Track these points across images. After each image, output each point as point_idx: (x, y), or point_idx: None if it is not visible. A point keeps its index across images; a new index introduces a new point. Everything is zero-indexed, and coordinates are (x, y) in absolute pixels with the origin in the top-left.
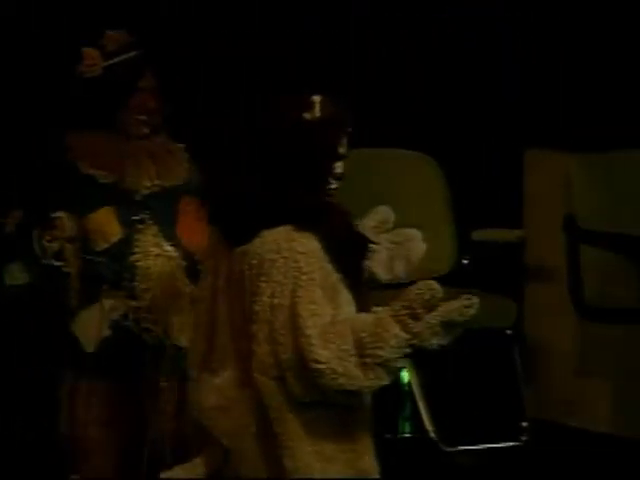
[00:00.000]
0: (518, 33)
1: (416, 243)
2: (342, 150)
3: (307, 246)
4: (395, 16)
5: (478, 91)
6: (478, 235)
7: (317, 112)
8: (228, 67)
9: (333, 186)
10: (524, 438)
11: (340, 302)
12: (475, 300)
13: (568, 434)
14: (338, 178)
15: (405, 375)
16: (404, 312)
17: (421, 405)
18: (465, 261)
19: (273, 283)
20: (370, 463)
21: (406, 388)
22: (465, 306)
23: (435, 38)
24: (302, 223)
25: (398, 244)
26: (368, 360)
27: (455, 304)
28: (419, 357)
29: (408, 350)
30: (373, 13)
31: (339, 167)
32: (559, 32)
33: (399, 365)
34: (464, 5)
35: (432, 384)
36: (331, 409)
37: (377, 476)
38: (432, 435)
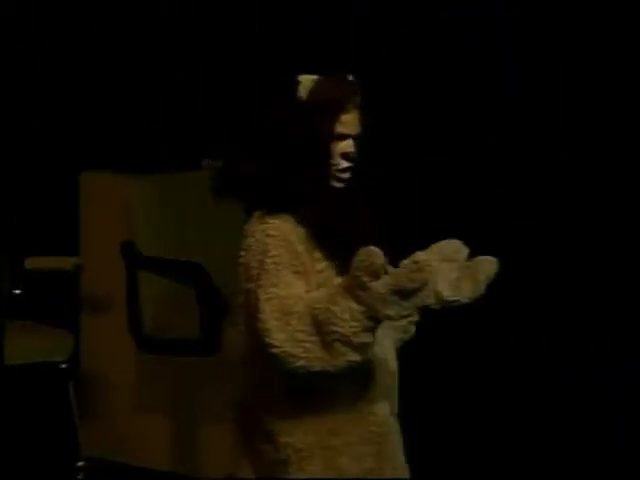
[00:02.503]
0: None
1: (484, 262)
2: (343, 129)
3: (279, 229)
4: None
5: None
6: (31, 263)
7: (302, 93)
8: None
9: (342, 166)
10: (80, 478)
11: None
12: (422, 264)
13: (126, 473)
14: (347, 158)
15: None
16: (353, 283)
17: None
18: (17, 291)
19: (246, 267)
20: (348, 464)
21: None
22: (412, 271)
23: None
24: (277, 206)
25: (466, 264)
26: (327, 338)
27: (401, 270)
28: None
29: (370, 323)
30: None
31: (345, 146)
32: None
33: (365, 340)
34: None
35: None
36: (313, 403)
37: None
38: None
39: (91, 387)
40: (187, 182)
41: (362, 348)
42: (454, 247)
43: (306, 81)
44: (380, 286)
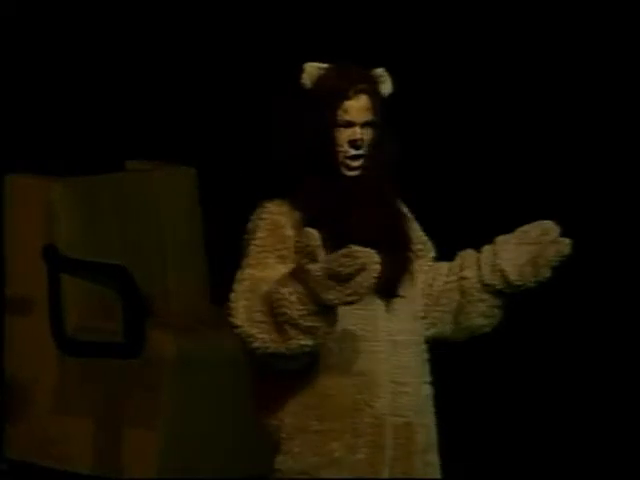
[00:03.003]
0: None
1: (549, 247)
2: (347, 116)
3: (271, 212)
4: None
5: None
6: None
7: (306, 80)
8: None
9: (350, 154)
10: None
11: None
12: (355, 249)
13: (49, 476)
14: (354, 145)
15: None
16: (298, 266)
17: None
18: None
19: (242, 251)
20: (340, 451)
21: None
22: (343, 256)
23: None
24: (277, 192)
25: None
26: (279, 319)
27: (334, 255)
28: None
29: (315, 307)
30: None
31: (351, 134)
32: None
33: (313, 324)
34: None
35: None
36: (301, 387)
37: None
38: None
39: (14, 389)
40: (110, 184)
41: (312, 332)
42: (541, 229)
43: (310, 68)
44: (317, 269)
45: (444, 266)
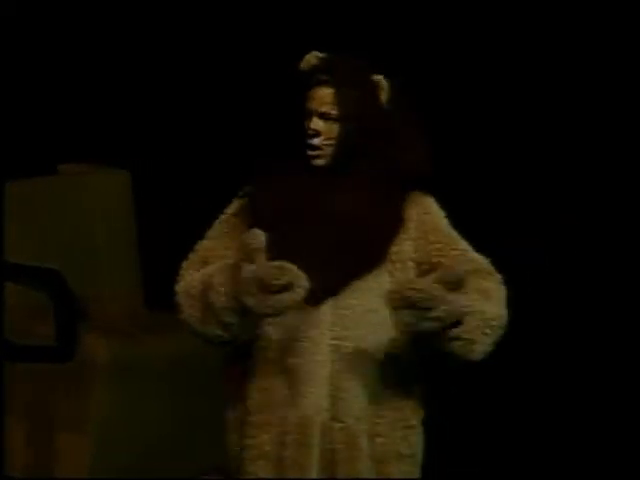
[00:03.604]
0: None
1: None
2: (309, 105)
3: (245, 192)
4: None
5: None
6: None
7: (303, 67)
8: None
9: (307, 142)
10: None
11: None
12: (288, 266)
13: None
14: (309, 135)
15: None
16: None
17: None
18: None
19: None
20: (270, 445)
21: None
22: (273, 267)
23: None
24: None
25: None
26: (205, 303)
27: (267, 264)
28: None
29: (235, 304)
30: None
31: (311, 123)
32: None
33: (226, 318)
34: None
35: None
36: (245, 379)
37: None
38: None
39: None
40: (44, 187)
41: (227, 327)
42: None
43: (309, 57)
44: (247, 270)
45: None
